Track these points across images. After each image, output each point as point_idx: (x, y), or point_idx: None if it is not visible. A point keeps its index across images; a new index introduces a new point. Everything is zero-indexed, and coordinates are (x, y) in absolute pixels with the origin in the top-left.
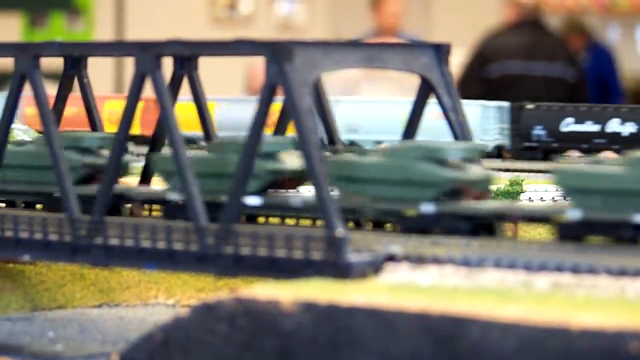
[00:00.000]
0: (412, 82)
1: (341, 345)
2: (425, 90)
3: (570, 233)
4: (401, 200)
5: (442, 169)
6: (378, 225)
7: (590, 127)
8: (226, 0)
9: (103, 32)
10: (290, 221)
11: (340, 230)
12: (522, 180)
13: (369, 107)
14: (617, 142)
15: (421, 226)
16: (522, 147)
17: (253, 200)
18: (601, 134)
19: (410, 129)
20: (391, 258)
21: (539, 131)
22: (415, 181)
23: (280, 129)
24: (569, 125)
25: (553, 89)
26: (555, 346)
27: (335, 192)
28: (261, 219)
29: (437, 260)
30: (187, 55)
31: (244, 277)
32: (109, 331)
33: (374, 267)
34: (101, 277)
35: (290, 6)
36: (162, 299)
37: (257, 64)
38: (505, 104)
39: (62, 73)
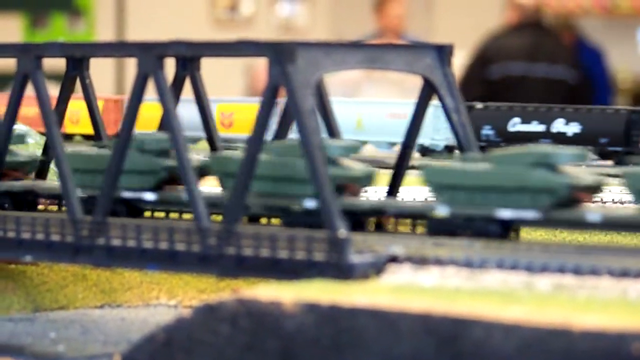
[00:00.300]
0: (413, 84)
1: (343, 346)
2: (428, 91)
3: (440, 228)
4: (286, 196)
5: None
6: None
7: (536, 127)
8: (227, 2)
9: (104, 33)
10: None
11: (342, 232)
12: None
13: None
14: (562, 142)
15: (305, 221)
16: None
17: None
18: (546, 133)
19: (413, 130)
20: (393, 259)
21: (487, 131)
22: (299, 178)
23: (281, 131)
24: (515, 125)
25: (554, 91)
26: (557, 347)
27: (220, 188)
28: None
29: (439, 262)
30: (189, 56)
31: (246, 278)
32: (111, 332)
33: (376, 268)
34: (103, 278)
35: (292, 8)
36: (164, 299)
37: (261, 65)
38: None
39: (64, 74)
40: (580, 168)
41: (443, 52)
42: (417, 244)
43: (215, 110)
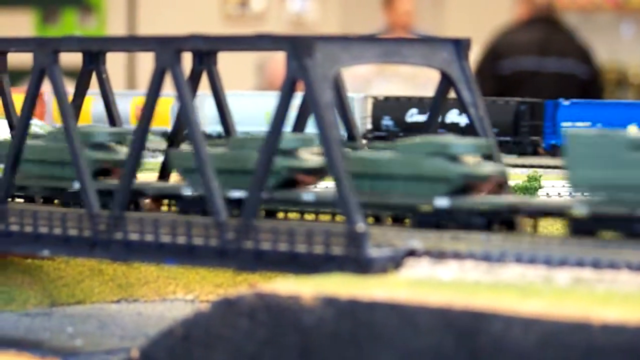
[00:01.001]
0: (425, 78)
1: (362, 340)
2: (445, 85)
3: (189, 208)
4: (60, 179)
5: (93, 152)
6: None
7: None
8: None
9: (115, 28)
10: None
11: (360, 226)
12: (540, 176)
13: (236, 100)
14: (456, 132)
15: (72, 200)
16: (374, 136)
17: None
18: (442, 124)
19: (431, 124)
20: (412, 253)
21: (387, 121)
22: (70, 162)
23: (299, 124)
24: (413, 115)
25: (565, 85)
26: (576, 341)
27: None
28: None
29: (457, 256)
30: (206, 50)
31: (264, 272)
32: (128, 326)
33: (395, 262)
34: (119, 272)
35: (302, 3)
36: (181, 294)
37: (276, 60)
38: (359, 95)
39: (81, 68)
40: (309, 153)
41: (460, 46)
42: (435, 238)
43: (131, 104)
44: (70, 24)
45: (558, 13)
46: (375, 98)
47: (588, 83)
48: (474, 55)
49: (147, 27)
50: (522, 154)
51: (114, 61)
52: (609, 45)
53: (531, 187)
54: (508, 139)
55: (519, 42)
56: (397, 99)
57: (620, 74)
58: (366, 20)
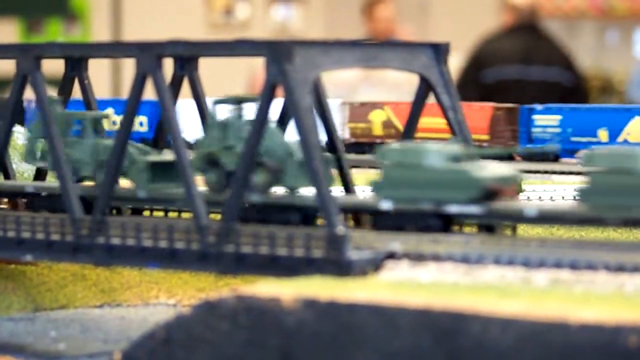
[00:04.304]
0: (410, 85)
1: (342, 341)
2: (425, 89)
3: None
4: None
5: None
6: None
7: None
8: (223, 6)
9: (100, 37)
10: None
11: (341, 229)
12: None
13: None
14: None
15: None
16: None
17: None
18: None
19: (410, 128)
20: (391, 255)
21: None
22: None
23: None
24: None
25: (549, 93)
26: (554, 340)
27: None
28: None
29: (436, 258)
30: (187, 56)
31: (245, 275)
32: (111, 330)
33: (374, 265)
34: (102, 277)
35: (287, 12)
36: (163, 298)
37: (260, 66)
38: None
39: (63, 75)
40: None
41: (439, 51)
42: (414, 241)
43: None
44: (55, 33)
45: (541, 21)
46: None
47: (572, 90)
48: (458, 63)
49: (131, 36)
50: None
51: (99, 68)
52: (593, 53)
53: None
54: None
55: (503, 50)
56: None
57: (605, 81)
58: (350, 28)
